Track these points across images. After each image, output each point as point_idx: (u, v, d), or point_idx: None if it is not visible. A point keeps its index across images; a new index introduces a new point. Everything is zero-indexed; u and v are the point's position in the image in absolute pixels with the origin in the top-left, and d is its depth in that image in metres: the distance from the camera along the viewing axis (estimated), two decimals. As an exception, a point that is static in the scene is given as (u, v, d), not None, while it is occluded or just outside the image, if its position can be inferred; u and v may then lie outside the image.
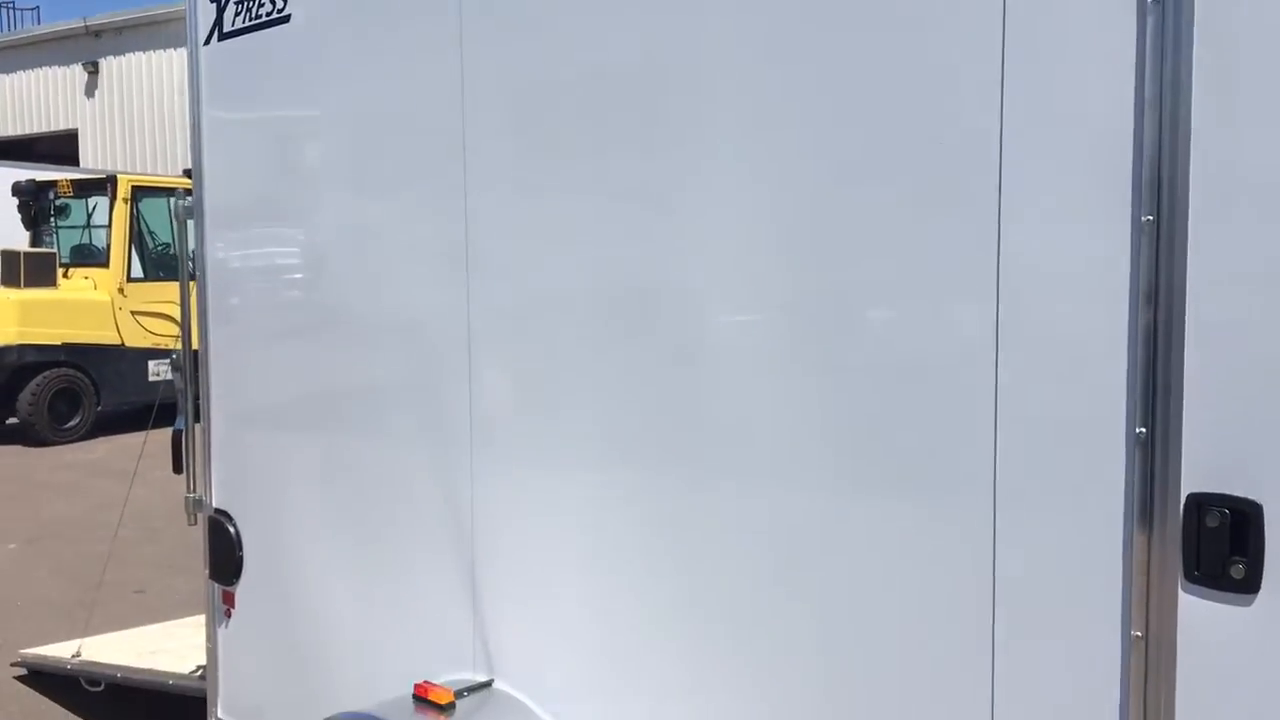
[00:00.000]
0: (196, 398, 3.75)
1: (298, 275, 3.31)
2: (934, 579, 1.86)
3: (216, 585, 3.65)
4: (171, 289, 12.79)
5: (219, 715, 3.66)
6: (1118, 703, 1.67)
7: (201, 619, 5.53)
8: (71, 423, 12.39)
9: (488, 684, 2.67)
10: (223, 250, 3.57)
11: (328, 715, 2.77)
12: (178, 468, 3.89)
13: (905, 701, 1.92)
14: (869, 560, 1.95)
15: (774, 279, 2.07)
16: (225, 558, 3.57)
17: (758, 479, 2.11)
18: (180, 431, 3.84)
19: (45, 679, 5.34)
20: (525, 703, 2.61)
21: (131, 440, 12.02)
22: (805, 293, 2.02)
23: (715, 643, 2.22)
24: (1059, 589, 1.72)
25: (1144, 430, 1.60)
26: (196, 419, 3.77)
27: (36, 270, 12.44)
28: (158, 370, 12.81)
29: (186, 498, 3.82)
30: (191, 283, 3.74)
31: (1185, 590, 1.58)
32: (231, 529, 3.56)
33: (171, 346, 12.24)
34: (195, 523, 3.84)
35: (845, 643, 1.99)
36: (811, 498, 2.02)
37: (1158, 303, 1.59)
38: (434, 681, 2.65)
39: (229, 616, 3.61)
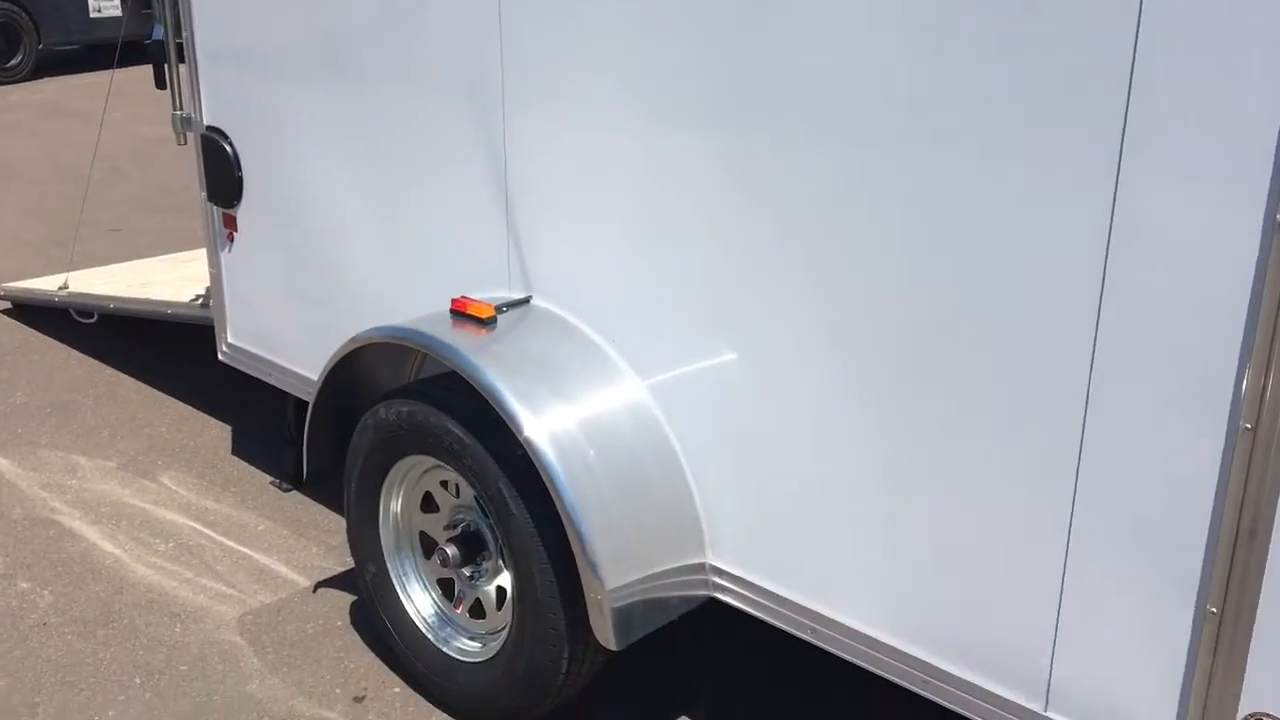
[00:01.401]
0: (176, 11, 3.42)
1: None
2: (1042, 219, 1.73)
3: (215, 208, 3.47)
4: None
5: (229, 340, 3.58)
6: (1238, 353, 1.60)
7: (187, 254, 5.42)
8: (12, 62, 11.69)
9: (526, 300, 2.57)
10: None
11: (356, 334, 2.68)
12: (160, 83, 3.61)
13: (1001, 349, 1.83)
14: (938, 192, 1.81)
15: None
16: (223, 178, 3.37)
17: (829, 127, 1.93)
18: (160, 43, 3.53)
19: (30, 313, 5.23)
20: (565, 317, 2.52)
21: (79, 81, 11.44)
22: None
23: (760, 258, 2.11)
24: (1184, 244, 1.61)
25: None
26: (178, 37, 3.45)
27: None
28: (99, 6, 11.99)
29: (174, 115, 3.56)
30: None
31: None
32: (228, 147, 3.33)
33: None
34: (184, 142, 3.60)
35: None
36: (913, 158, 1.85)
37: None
38: (472, 297, 2.55)
39: (231, 241, 3.46)
